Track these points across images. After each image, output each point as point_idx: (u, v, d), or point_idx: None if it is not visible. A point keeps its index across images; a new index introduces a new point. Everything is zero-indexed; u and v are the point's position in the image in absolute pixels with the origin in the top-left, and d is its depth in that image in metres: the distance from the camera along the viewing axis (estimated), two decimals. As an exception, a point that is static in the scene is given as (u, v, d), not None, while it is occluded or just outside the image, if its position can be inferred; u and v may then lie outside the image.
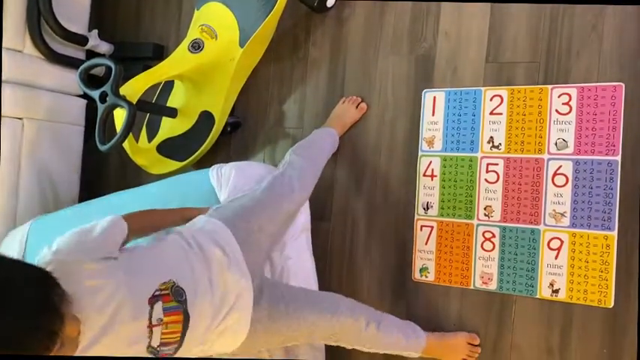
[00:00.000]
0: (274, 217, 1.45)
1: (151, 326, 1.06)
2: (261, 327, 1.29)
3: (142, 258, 1.16)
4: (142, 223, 1.30)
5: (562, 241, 1.61)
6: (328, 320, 1.41)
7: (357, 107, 1.89)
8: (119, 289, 1.04)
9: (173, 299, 1.11)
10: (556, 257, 1.62)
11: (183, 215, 1.41)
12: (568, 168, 1.62)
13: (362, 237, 1.87)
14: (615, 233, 1.55)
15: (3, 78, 1.89)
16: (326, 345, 1.66)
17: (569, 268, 1.60)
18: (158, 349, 1.07)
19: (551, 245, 1.63)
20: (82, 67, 1.75)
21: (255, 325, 1.28)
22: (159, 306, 1.08)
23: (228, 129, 2.05)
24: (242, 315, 1.26)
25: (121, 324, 1.02)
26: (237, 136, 2.11)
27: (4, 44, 1.90)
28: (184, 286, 1.14)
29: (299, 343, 1.51)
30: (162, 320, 1.08)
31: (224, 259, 1.25)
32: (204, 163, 1.92)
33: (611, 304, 1.54)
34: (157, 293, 1.09)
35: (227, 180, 1.61)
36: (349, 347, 1.51)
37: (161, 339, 1.07)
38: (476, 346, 1.70)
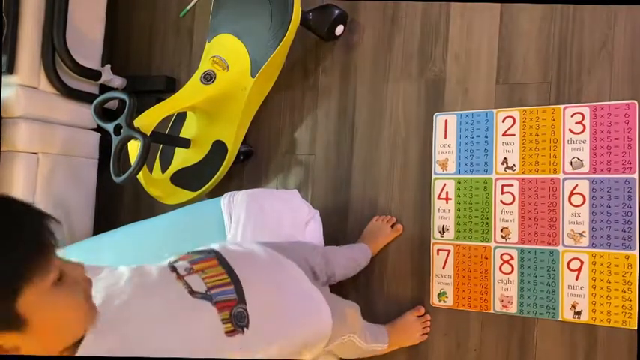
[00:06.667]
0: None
1: (180, 277, 0.95)
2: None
3: None
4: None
5: (582, 262, 1.59)
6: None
7: (392, 227, 1.82)
8: None
9: (192, 254, 1.04)
10: (577, 278, 1.59)
11: None
12: (584, 187, 1.60)
13: (377, 262, 1.85)
14: (637, 252, 1.53)
15: (19, 114, 1.93)
16: None
17: (590, 289, 1.57)
18: (209, 293, 0.95)
19: (571, 266, 1.60)
20: (96, 101, 1.78)
21: None
22: (182, 262, 1.00)
23: (241, 157, 2.06)
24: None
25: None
26: (249, 164, 2.12)
27: (19, 82, 1.94)
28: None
29: None
30: (191, 269, 0.98)
31: None
32: (217, 192, 1.92)
33: (636, 325, 1.51)
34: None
35: (240, 208, 1.61)
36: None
37: (206, 283, 0.96)
38: (424, 315, 1.75)
